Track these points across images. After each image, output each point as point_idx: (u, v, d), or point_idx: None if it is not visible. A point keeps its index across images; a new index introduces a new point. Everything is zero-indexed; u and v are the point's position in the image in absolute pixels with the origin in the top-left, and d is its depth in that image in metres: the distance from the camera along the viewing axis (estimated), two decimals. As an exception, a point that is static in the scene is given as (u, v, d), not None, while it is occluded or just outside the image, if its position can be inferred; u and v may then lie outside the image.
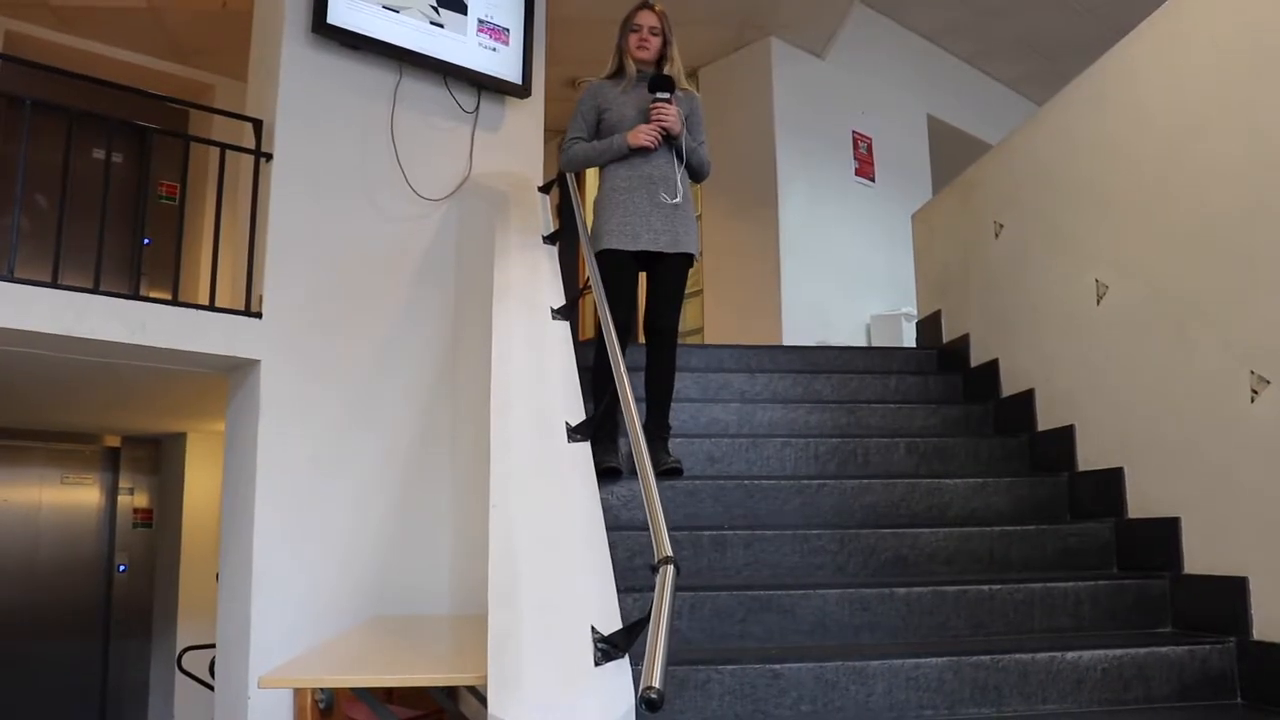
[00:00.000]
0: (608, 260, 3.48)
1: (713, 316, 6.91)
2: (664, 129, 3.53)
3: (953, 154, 7.31)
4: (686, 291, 3.82)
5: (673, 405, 3.69)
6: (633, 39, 3.68)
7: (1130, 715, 2.58)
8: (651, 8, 3.70)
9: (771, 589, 2.85)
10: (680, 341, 3.92)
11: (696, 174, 3.71)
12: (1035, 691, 2.61)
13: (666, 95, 3.53)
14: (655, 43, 3.67)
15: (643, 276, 3.71)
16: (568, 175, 4.31)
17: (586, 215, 3.82)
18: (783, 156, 6.52)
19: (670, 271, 3.59)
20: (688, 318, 6.92)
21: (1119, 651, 2.68)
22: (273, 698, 3.47)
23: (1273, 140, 2.81)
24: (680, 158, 3.59)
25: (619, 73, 3.73)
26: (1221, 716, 2.57)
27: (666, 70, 3.67)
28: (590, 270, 3.36)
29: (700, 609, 2.75)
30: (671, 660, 1.58)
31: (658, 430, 3.55)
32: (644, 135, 3.52)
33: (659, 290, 3.59)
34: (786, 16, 6.56)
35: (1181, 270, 3.20)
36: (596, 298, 3.15)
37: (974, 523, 3.45)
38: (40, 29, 5.85)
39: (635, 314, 3.53)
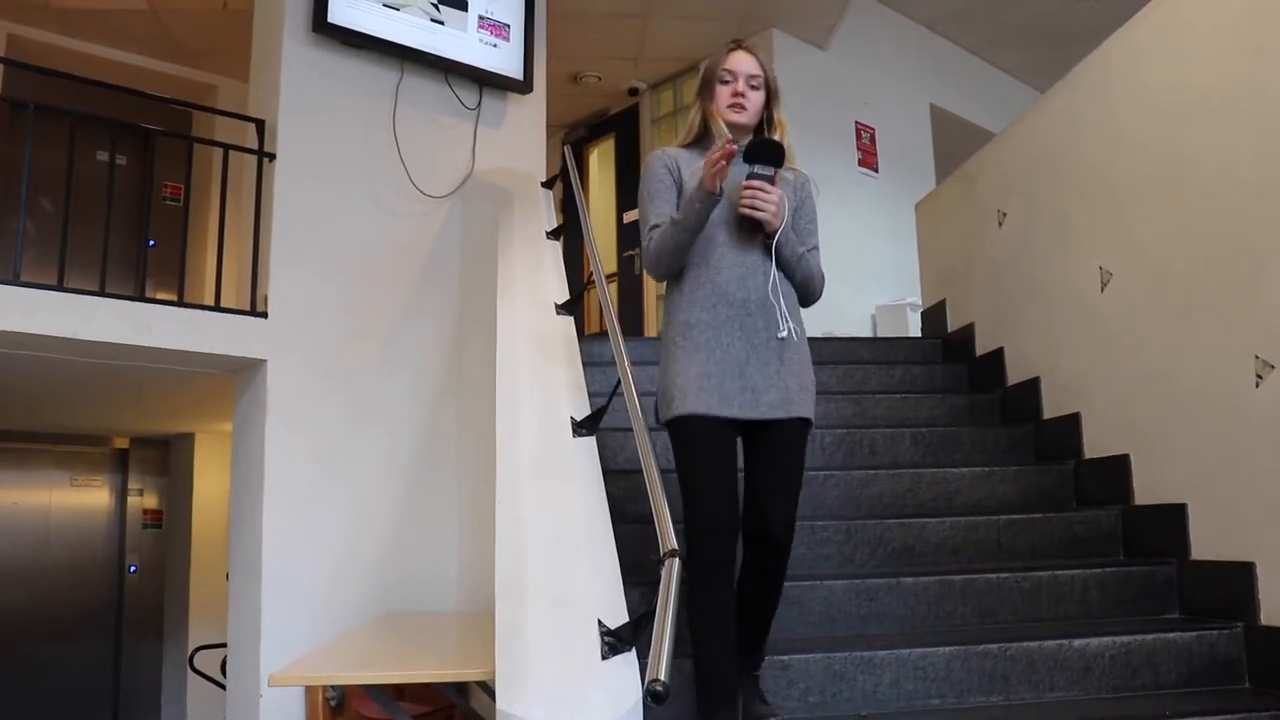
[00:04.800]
0: (686, 432, 2.27)
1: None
2: (754, 217, 2.30)
3: (956, 143, 7.29)
4: None
5: None
6: (723, 94, 2.45)
7: (1138, 701, 2.58)
8: (749, 49, 2.51)
9: (778, 581, 2.85)
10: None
11: (803, 292, 2.47)
12: (1043, 679, 2.62)
13: (770, 172, 2.28)
14: (756, 99, 2.46)
15: None
16: (571, 172, 4.31)
17: (590, 211, 3.73)
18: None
19: (779, 444, 2.33)
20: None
21: (1127, 638, 2.68)
22: (284, 696, 3.49)
23: (1275, 124, 2.80)
24: (781, 266, 2.39)
25: (698, 142, 2.52)
26: (1230, 701, 2.57)
27: (769, 134, 2.49)
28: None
29: (708, 601, 2.75)
30: (678, 653, 1.59)
31: (745, 649, 2.37)
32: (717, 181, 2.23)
33: (762, 471, 2.33)
34: (788, 8, 6.54)
35: (1186, 256, 3.19)
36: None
37: (980, 512, 3.46)
38: (43, 32, 5.86)
39: (738, 508, 2.29)
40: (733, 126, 2.45)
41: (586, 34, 6.43)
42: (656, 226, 2.42)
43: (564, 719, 1.56)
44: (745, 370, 2.29)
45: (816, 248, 2.52)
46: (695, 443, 2.26)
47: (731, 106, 2.44)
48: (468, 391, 4.14)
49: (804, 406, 2.35)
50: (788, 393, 2.32)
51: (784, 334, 2.33)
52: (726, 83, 2.46)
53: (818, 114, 6.83)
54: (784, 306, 2.35)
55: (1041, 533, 3.35)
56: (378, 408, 4.00)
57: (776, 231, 2.33)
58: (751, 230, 2.35)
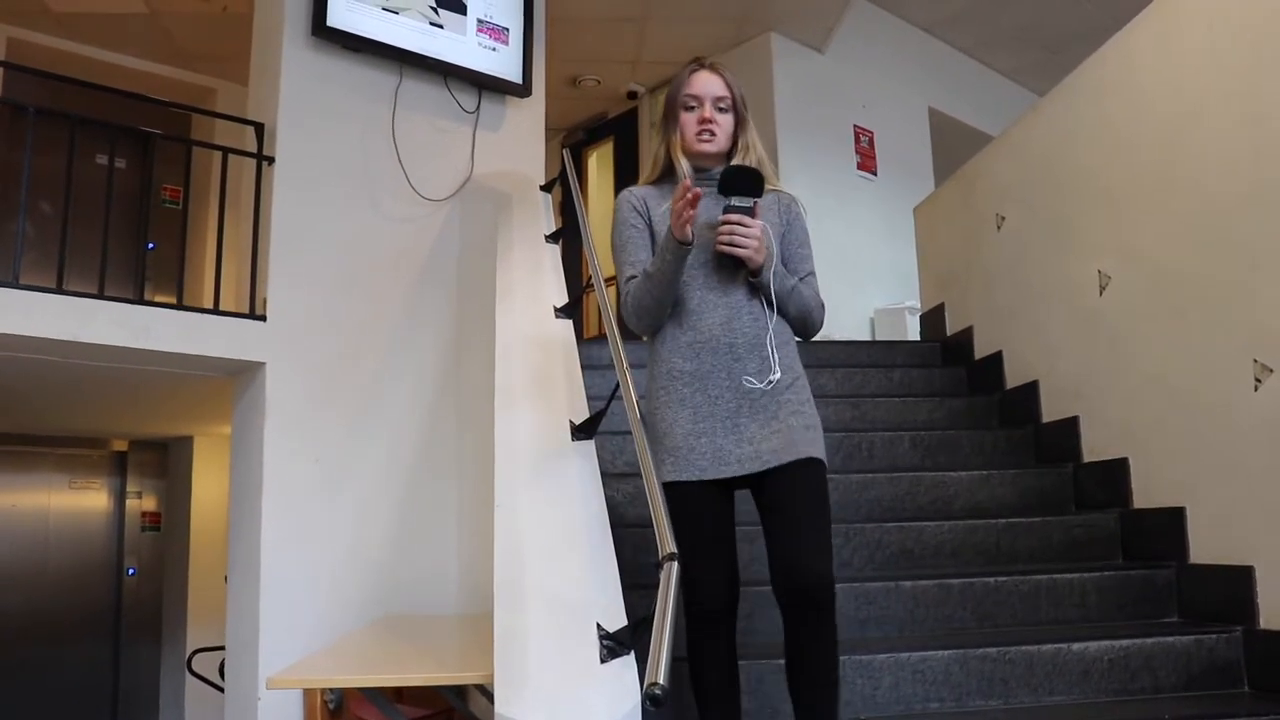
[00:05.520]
0: (676, 499, 2.03)
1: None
2: (734, 255, 2.10)
3: (954, 146, 7.30)
4: None
5: None
6: (689, 122, 2.24)
7: (1137, 705, 2.59)
8: (713, 68, 2.28)
9: (777, 584, 2.85)
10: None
11: (800, 325, 2.26)
12: (1042, 683, 2.62)
13: (749, 203, 2.07)
14: (726, 122, 2.24)
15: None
16: (570, 175, 4.31)
17: (589, 214, 3.72)
18: (784, 152, 6.50)
19: (790, 487, 2.07)
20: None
21: (1125, 642, 2.68)
22: (282, 699, 3.49)
23: (1273, 126, 2.80)
24: (770, 305, 2.17)
25: (665, 177, 2.33)
26: (1229, 706, 2.57)
27: (740, 159, 2.23)
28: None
29: (706, 605, 2.75)
30: (677, 656, 1.59)
31: None
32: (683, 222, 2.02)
33: (775, 520, 2.08)
34: (786, 11, 6.55)
35: (1184, 259, 3.20)
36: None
37: (979, 515, 3.46)
38: (43, 36, 5.86)
39: (735, 575, 2.13)
40: (703, 157, 2.25)
41: (585, 37, 6.44)
42: (633, 278, 2.22)
43: (563, 723, 1.57)
44: (738, 422, 2.09)
45: (812, 273, 2.29)
46: (684, 511, 2.03)
47: (700, 135, 2.22)
48: (467, 394, 4.14)
49: (811, 446, 2.09)
50: (791, 434, 2.08)
51: (776, 376, 2.12)
52: (691, 109, 2.24)
53: (816, 117, 6.84)
54: (775, 348, 2.15)
55: (1040, 536, 3.35)
56: (376, 410, 4.00)
57: (760, 268, 2.13)
58: (734, 268, 2.15)
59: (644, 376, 2.32)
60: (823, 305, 2.27)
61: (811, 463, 2.08)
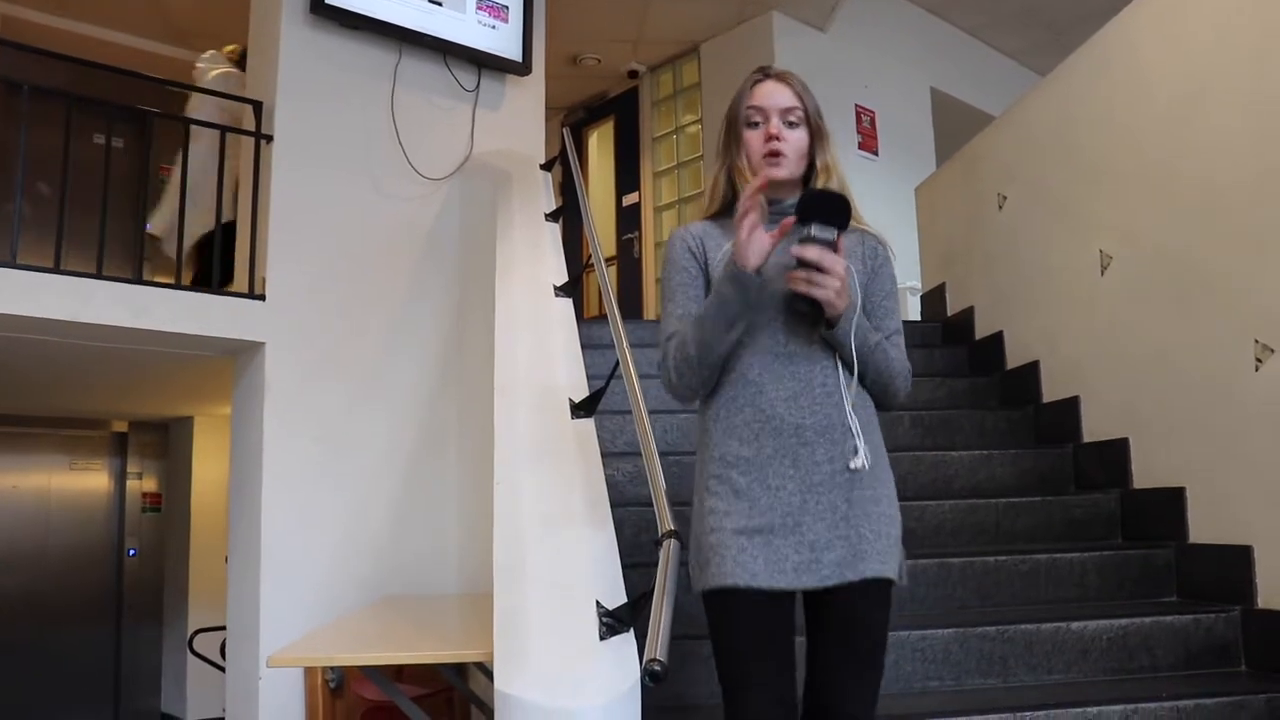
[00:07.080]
0: (724, 609, 1.72)
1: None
2: (811, 296, 1.66)
3: (956, 126, 7.26)
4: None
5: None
6: (754, 141, 1.86)
7: (1136, 684, 2.59)
8: (780, 77, 1.94)
9: (777, 563, 2.85)
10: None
11: (879, 394, 1.83)
12: (1041, 662, 2.63)
13: (831, 234, 1.65)
14: (797, 140, 1.87)
15: None
16: (570, 154, 4.29)
17: (589, 193, 3.70)
18: (785, 131, 6.46)
19: (849, 616, 1.73)
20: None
21: (1124, 621, 2.69)
22: (283, 678, 3.50)
23: (1276, 108, 2.79)
24: (850, 369, 1.76)
25: (728, 211, 1.89)
26: (1226, 684, 2.58)
27: (822, 183, 1.89)
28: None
29: (706, 584, 2.76)
30: (676, 634, 1.59)
31: None
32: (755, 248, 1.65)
33: (825, 650, 1.76)
34: (788, -10, 6.52)
35: (1186, 240, 3.19)
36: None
37: (979, 495, 3.46)
38: (37, 13, 5.83)
39: (793, 707, 1.72)
40: (772, 185, 1.80)
41: (586, 16, 6.39)
42: (676, 333, 1.81)
43: (562, 699, 1.56)
44: (800, 521, 1.69)
45: (898, 331, 1.87)
46: (736, 624, 1.69)
47: (769, 155, 1.82)
48: (467, 373, 4.14)
49: (880, 562, 1.71)
50: (859, 544, 1.70)
51: (857, 464, 1.71)
52: (755, 124, 1.86)
53: (818, 97, 6.72)
54: (857, 426, 1.73)
55: (1040, 516, 3.36)
56: (376, 390, 4.00)
57: (838, 318, 1.69)
58: (809, 319, 1.72)
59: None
60: (909, 371, 1.85)
61: (879, 585, 1.73)
